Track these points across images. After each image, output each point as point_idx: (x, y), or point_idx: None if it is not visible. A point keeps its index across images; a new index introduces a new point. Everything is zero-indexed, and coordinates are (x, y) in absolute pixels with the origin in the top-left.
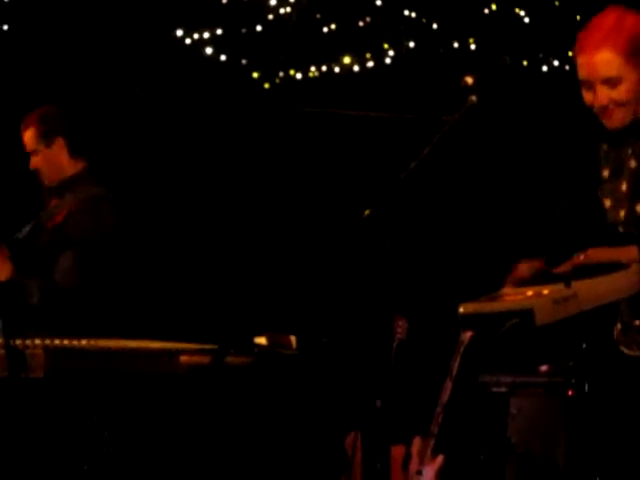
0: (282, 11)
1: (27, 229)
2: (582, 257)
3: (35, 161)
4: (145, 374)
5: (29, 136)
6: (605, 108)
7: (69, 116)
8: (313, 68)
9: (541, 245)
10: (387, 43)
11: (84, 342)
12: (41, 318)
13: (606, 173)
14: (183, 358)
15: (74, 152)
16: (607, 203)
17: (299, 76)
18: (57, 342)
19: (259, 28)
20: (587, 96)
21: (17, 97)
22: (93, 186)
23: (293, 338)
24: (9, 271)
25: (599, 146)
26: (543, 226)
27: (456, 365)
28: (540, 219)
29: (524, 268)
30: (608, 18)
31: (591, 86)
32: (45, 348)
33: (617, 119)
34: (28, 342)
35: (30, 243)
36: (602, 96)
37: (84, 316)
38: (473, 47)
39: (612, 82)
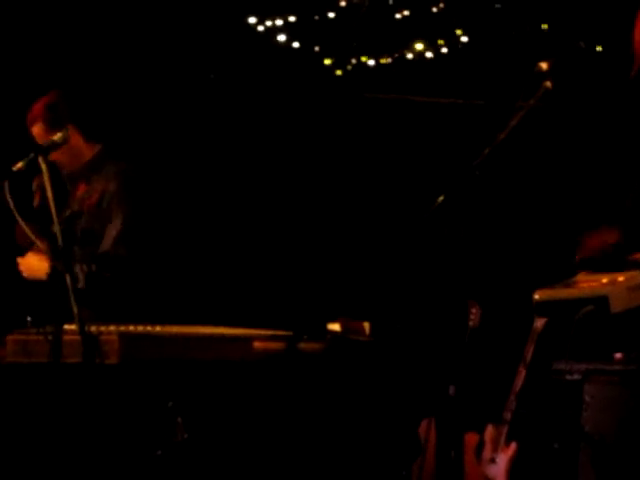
0: None
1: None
2: None
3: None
4: (218, 360)
5: (38, 130)
6: None
7: (75, 102)
8: (385, 55)
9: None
10: (460, 29)
11: (158, 328)
12: (89, 302)
13: None
14: (257, 344)
15: (88, 137)
16: None
17: (371, 63)
18: (132, 328)
19: (332, 15)
20: None
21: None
22: (115, 163)
23: (366, 324)
24: (47, 268)
25: None
26: (615, 213)
27: (530, 352)
28: (613, 206)
29: (594, 243)
30: None
31: None
32: (120, 334)
33: None
34: (103, 328)
35: (70, 232)
36: None
37: (135, 298)
38: (547, 32)
39: None
